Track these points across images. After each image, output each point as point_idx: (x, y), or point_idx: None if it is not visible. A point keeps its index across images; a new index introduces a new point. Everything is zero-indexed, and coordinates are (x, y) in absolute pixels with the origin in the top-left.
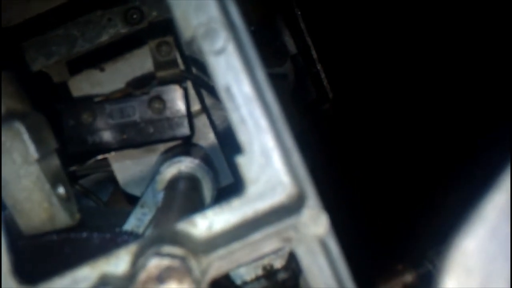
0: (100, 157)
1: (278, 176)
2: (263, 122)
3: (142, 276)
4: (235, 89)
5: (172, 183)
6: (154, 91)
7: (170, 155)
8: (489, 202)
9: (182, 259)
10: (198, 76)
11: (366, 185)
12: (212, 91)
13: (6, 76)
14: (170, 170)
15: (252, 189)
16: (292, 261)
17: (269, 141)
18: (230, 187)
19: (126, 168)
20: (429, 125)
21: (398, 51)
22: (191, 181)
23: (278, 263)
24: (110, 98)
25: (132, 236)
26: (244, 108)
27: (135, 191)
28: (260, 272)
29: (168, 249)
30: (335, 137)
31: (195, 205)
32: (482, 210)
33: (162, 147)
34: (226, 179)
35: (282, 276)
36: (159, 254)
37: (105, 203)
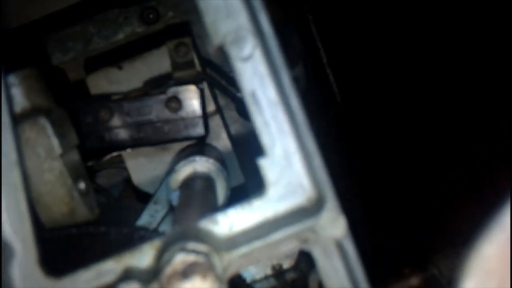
0: (115, 153)
1: (298, 179)
2: (286, 126)
3: (168, 270)
4: (260, 94)
5: (188, 182)
6: (171, 91)
7: (184, 154)
8: (508, 210)
9: (206, 255)
10: (214, 78)
11: (373, 188)
12: (227, 92)
13: (32, 72)
14: (186, 169)
15: (272, 191)
16: (301, 261)
17: (291, 145)
18: (241, 188)
19: (140, 165)
20: (438, 129)
21: (408, 56)
22: (206, 180)
23: (287, 263)
24: (127, 97)
25: (148, 231)
26: (268, 112)
27: (147, 188)
28: (269, 271)
29: (193, 245)
30: (343, 141)
31: (211, 204)
32: (501, 218)
33: (176, 146)
34: (237, 179)
35: (291, 276)
36: (185, 250)
37: (115, 199)
